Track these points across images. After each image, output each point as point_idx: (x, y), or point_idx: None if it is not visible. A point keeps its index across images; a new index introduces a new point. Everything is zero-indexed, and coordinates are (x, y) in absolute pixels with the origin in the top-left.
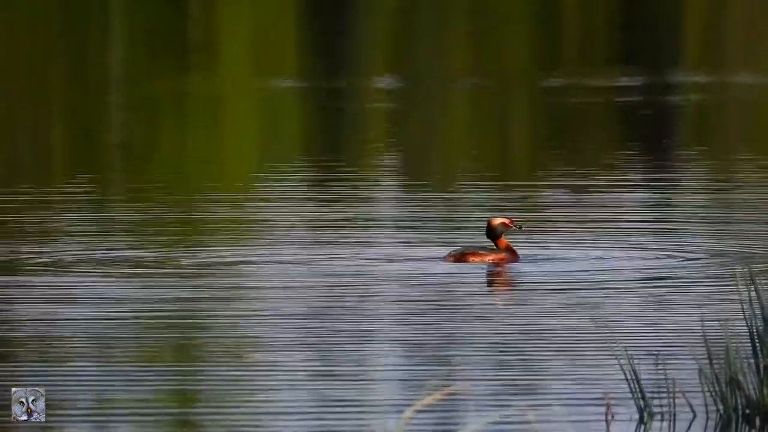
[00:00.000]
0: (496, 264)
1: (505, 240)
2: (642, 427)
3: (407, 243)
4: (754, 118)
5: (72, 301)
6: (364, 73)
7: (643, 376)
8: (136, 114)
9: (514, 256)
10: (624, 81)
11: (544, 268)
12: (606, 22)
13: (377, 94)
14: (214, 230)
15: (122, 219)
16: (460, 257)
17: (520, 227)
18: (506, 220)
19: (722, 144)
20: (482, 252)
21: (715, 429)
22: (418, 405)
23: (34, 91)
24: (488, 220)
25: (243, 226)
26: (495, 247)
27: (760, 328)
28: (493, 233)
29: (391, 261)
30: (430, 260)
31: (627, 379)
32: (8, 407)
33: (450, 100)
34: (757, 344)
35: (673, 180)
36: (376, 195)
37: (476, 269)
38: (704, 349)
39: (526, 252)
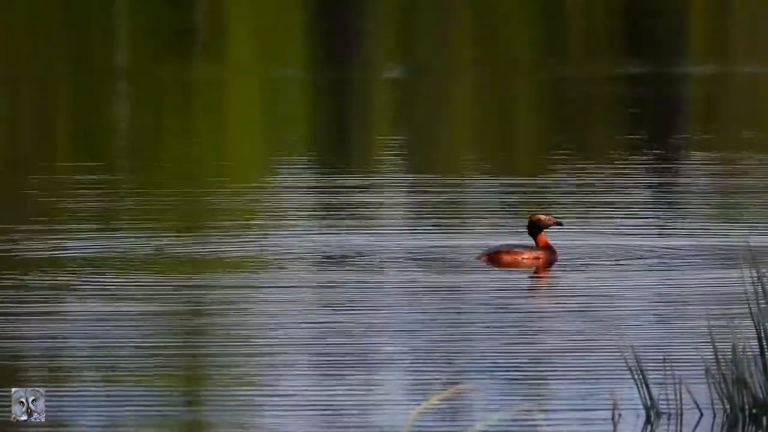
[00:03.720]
0: (532, 263)
1: (544, 237)
2: (649, 426)
3: (421, 232)
4: (762, 107)
5: (74, 298)
6: (371, 63)
7: (649, 375)
8: (141, 105)
9: (552, 254)
10: (630, 71)
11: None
12: (611, 12)
13: (384, 84)
14: (222, 223)
15: (126, 213)
16: (494, 256)
17: (561, 223)
18: (547, 216)
19: (730, 134)
20: (517, 250)
21: (722, 428)
22: (426, 405)
23: (36, 84)
24: (528, 217)
25: (248, 221)
26: (534, 245)
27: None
28: (533, 229)
29: (424, 260)
30: (461, 258)
31: (634, 378)
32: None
33: (456, 91)
34: (764, 343)
35: (679, 173)
36: (381, 186)
37: (496, 272)
38: (711, 348)
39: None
